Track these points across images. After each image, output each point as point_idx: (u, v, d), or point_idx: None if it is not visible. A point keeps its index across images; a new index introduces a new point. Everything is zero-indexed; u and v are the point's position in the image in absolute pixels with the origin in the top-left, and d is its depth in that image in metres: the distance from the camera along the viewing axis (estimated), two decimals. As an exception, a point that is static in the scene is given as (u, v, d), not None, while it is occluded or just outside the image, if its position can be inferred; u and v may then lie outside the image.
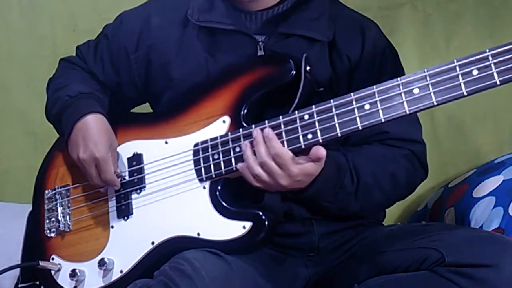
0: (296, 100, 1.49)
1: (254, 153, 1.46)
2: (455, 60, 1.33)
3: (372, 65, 1.66)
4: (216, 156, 1.53)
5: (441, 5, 2.42)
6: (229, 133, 1.52)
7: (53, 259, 1.67)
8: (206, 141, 1.55)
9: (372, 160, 1.59)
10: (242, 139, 1.50)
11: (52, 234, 1.68)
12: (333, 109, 1.42)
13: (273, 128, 1.46)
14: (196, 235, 1.51)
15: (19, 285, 1.70)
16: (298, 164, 1.43)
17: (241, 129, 1.51)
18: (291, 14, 1.65)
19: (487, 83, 1.30)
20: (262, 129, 1.46)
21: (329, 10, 1.67)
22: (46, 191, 1.72)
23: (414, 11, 2.42)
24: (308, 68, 1.50)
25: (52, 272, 1.66)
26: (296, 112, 1.45)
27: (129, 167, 1.64)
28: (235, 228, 1.48)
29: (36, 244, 1.71)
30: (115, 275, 1.59)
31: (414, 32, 2.41)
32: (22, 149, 2.48)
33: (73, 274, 1.61)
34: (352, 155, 1.58)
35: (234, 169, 1.50)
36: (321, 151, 1.41)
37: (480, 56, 1.31)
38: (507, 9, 2.38)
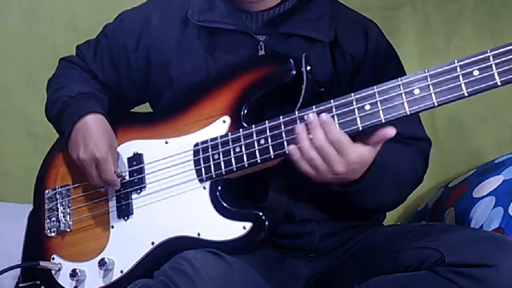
0: (301, 100, 1.49)
1: (309, 137, 1.40)
2: (455, 61, 1.33)
3: (376, 64, 1.67)
4: (216, 156, 1.52)
5: (441, 5, 2.42)
6: (229, 133, 1.52)
7: (53, 258, 1.67)
8: (206, 141, 1.55)
9: (399, 156, 1.59)
10: (242, 139, 1.50)
11: (53, 234, 1.68)
12: (334, 109, 1.41)
13: (273, 128, 1.46)
14: (196, 235, 1.51)
15: (20, 285, 1.71)
16: (356, 151, 1.40)
17: (241, 129, 1.51)
18: (292, 15, 1.65)
19: (488, 83, 1.30)
20: (318, 114, 1.41)
21: (330, 10, 1.67)
22: (47, 191, 1.72)
23: (414, 11, 2.42)
24: (308, 67, 1.50)
25: (53, 272, 1.66)
26: (297, 112, 1.45)
27: (129, 167, 1.64)
28: (235, 229, 1.48)
29: (37, 244, 1.71)
30: (116, 275, 1.59)
31: (414, 32, 2.41)
32: (22, 149, 2.48)
33: (73, 274, 1.61)
34: (384, 151, 1.56)
35: (235, 169, 1.50)
36: (390, 131, 1.37)
37: (481, 56, 1.31)
38: (507, 9, 2.38)
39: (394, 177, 1.57)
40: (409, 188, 1.65)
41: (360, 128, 1.39)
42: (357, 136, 1.41)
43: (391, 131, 1.37)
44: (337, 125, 1.41)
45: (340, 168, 1.40)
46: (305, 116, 1.42)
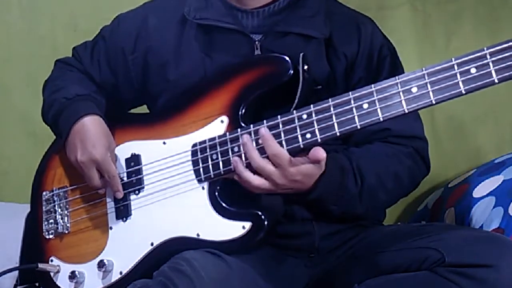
0: (296, 100, 1.48)
1: (246, 165, 1.46)
2: (453, 59, 1.33)
3: (370, 62, 1.67)
4: (214, 157, 1.52)
5: (441, 5, 2.42)
6: (227, 133, 1.52)
7: (52, 260, 1.67)
8: (204, 142, 1.54)
9: (375, 160, 1.59)
10: (240, 139, 1.49)
11: (51, 236, 1.68)
12: (331, 109, 1.41)
13: (272, 128, 1.46)
14: (195, 236, 1.51)
15: (18, 287, 1.70)
16: (295, 165, 1.43)
17: (239, 129, 1.51)
18: (287, 12, 1.65)
19: (485, 81, 1.30)
20: (250, 133, 1.46)
21: (324, 7, 1.67)
22: (44, 193, 1.71)
23: (414, 11, 2.42)
24: (306, 67, 1.50)
25: (51, 273, 1.65)
26: (294, 111, 1.45)
27: (127, 168, 1.63)
28: (235, 229, 1.48)
29: (35, 246, 1.71)
30: (115, 276, 1.58)
31: (414, 32, 2.41)
32: (22, 149, 2.48)
33: (72, 276, 1.61)
34: (356, 157, 1.57)
35: (233, 169, 1.49)
36: (321, 153, 1.40)
37: (478, 54, 1.31)
38: (507, 9, 2.38)
39: (366, 185, 1.56)
40: (388, 194, 1.62)
41: (358, 127, 1.39)
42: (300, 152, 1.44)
43: (321, 154, 1.40)
44: (335, 124, 1.41)
45: (281, 181, 1.44)
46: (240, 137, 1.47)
